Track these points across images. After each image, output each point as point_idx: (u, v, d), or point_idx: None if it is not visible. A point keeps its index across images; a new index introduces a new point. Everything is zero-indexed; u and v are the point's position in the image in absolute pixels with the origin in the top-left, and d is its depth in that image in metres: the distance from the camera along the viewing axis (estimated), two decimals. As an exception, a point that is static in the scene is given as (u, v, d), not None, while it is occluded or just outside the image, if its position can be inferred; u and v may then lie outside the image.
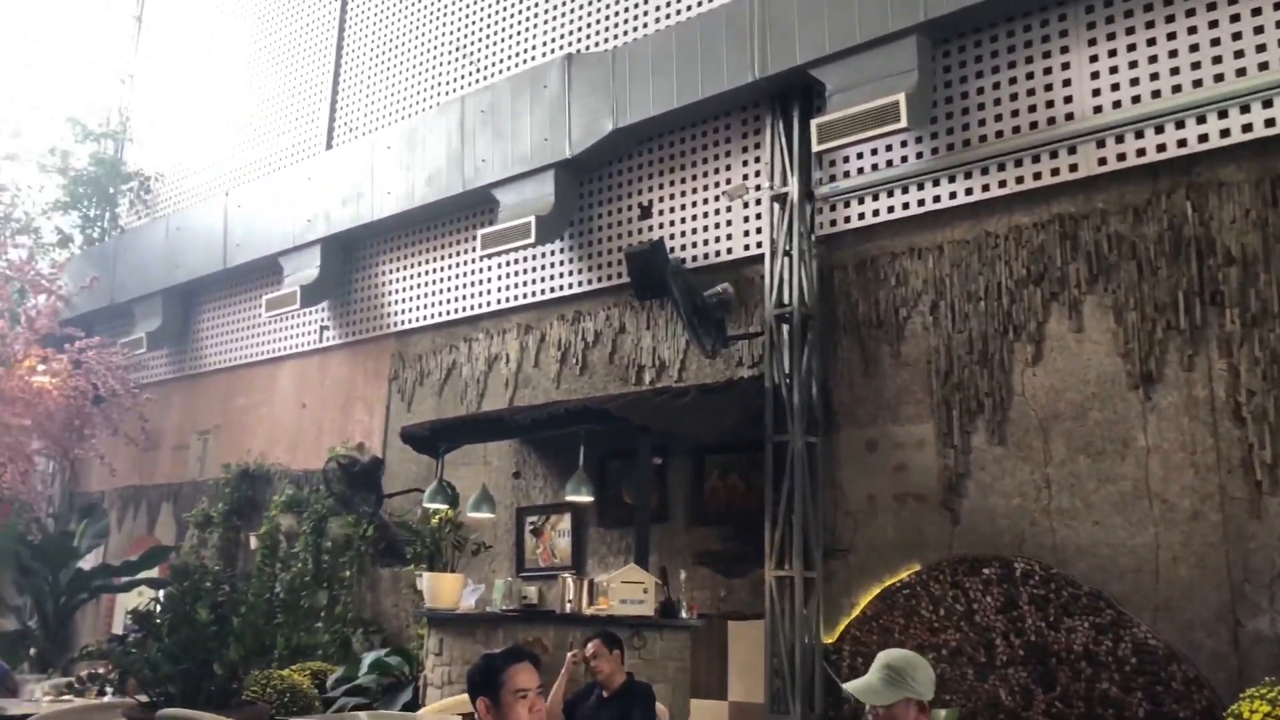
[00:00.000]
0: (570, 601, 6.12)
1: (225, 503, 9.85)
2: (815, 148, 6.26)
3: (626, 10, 8.02)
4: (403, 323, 9.18)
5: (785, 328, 6.45)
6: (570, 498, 6.68)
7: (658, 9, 7.78)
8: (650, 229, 7.50)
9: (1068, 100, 5.72)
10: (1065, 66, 5.78)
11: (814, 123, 6.26)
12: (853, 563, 6.14)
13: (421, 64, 9.73)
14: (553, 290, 8.04)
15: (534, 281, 8.19)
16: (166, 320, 11.18)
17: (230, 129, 11.85)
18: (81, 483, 10.49)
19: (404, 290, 9.25)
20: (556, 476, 7.59)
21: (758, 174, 6.97)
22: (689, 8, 7.55)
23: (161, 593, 9.85)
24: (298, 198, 9.89)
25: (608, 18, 8.15)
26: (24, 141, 13.15)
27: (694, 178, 7.36)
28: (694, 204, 7.32)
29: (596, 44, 8.15)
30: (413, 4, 9.94)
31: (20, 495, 6.96)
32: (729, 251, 7.05)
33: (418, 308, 9.09)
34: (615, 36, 8.05)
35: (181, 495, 10.72)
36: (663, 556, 6.66)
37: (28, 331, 7.26)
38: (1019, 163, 5.85)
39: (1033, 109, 5.86)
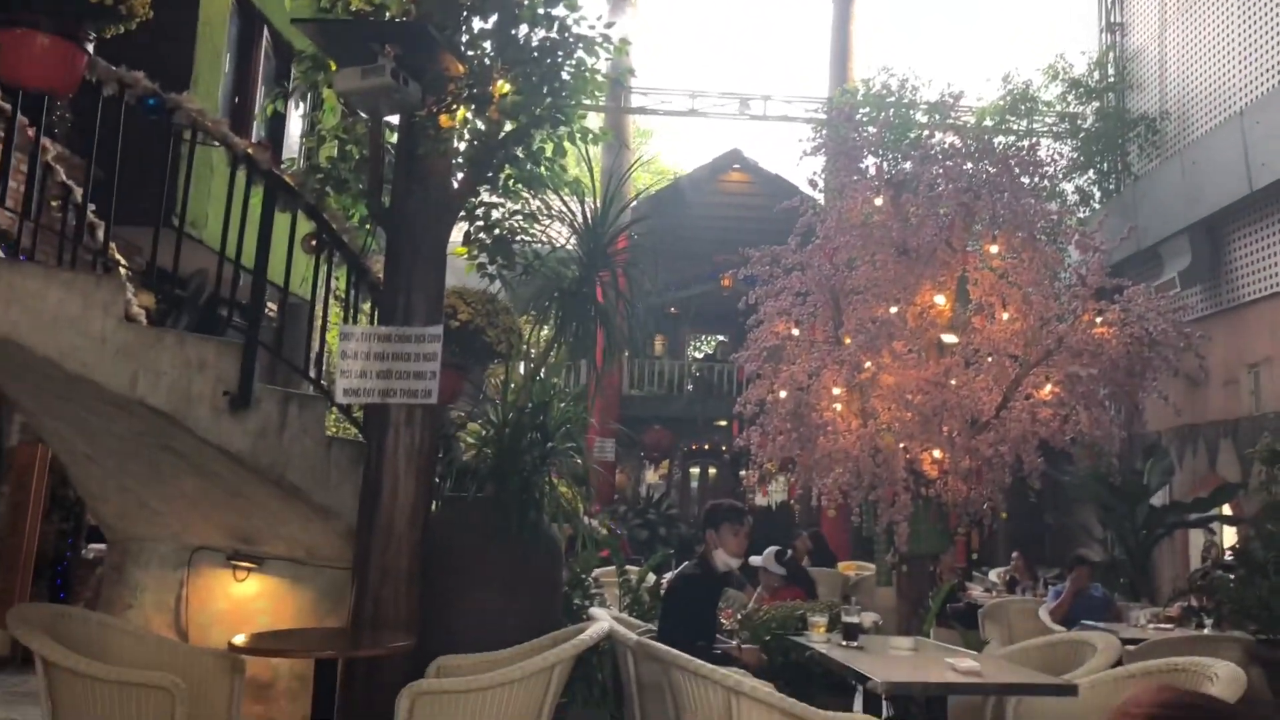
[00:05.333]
0: None
1: (1292, 437, 9.33)
2: None
3: None
4: None
5: None
6: None
7: None
8: None
9: None
10: None
11: None
12: None
13: None
14: None
15: None
16: (1196, 257, 11.08)
17: (1229, 47, 11.21)
18: (1138, 424, 11.03)
19: None
20: None
21: None
22: None
23: (1233, 531, 9.83)
24: (1328, 96, 8.90)
25: None
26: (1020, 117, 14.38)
27: None
28: None
29: None
30: None
31: (1097, 439, 7.64)
32: None
33: None
34: None
35: (1239, 431, 10.48)
36: None
37: (1081, 288, 7.95)
38: None
39: None
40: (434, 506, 5.46)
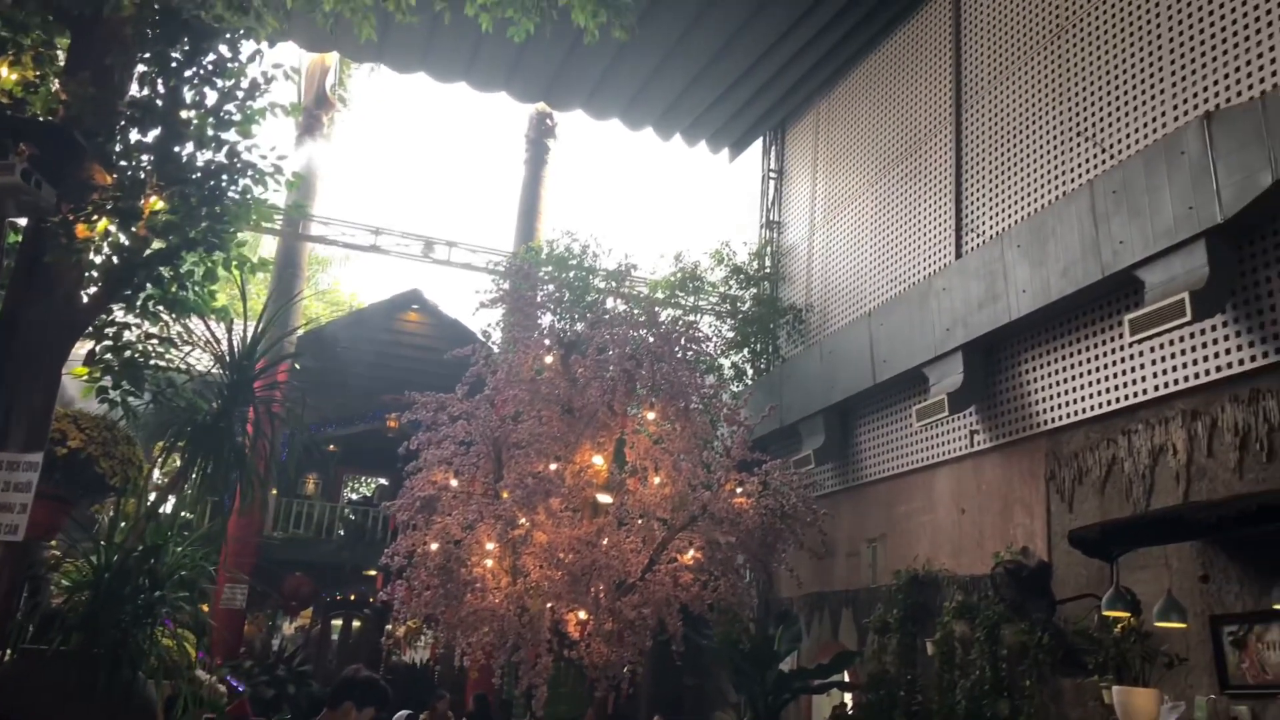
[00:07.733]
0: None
1: (899, 609, 10.28)
2: None
3: (1272, 50, 7.23)
4: (1053, 420, 8.97)
5: None
6: None
7: (1310, 43, 6.90)
8: (1338, 288, 6.51)
9: None
10: None
11: None
12: None
13: (1041, 158, 9.68)
14: (1219, 370, 7.31)
15: (1195, 363, 7.52)
16: (829, 437, 12.22)
17: (863, 255, 12.80)
18: (773, 591, 11.79)
19: (1050, 387, 9.06)
20: (1255, 580, 6.74)
21: None
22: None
23: (849, 697, 10.60)
24: (934, 309, 10.30)
25: (1247, 63, 7.43)
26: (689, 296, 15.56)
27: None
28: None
29: (1238, 94, 7.44)
30: (1027, 103, 9.99)
31: (733, 604, 8.07)
32: None
33: (1066, 404, 8.83)
34: (1260, 81, 7.29)
35: (859, 601, 11.43)
36: None
37: (726, 459, 8.49)
38: None
39: None
40: (6, 658, 4.74)
